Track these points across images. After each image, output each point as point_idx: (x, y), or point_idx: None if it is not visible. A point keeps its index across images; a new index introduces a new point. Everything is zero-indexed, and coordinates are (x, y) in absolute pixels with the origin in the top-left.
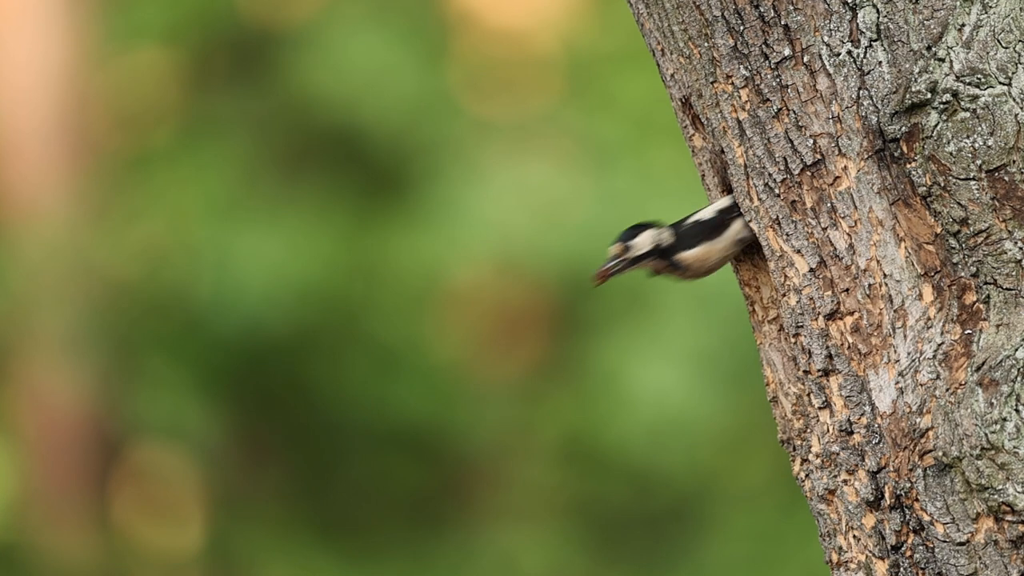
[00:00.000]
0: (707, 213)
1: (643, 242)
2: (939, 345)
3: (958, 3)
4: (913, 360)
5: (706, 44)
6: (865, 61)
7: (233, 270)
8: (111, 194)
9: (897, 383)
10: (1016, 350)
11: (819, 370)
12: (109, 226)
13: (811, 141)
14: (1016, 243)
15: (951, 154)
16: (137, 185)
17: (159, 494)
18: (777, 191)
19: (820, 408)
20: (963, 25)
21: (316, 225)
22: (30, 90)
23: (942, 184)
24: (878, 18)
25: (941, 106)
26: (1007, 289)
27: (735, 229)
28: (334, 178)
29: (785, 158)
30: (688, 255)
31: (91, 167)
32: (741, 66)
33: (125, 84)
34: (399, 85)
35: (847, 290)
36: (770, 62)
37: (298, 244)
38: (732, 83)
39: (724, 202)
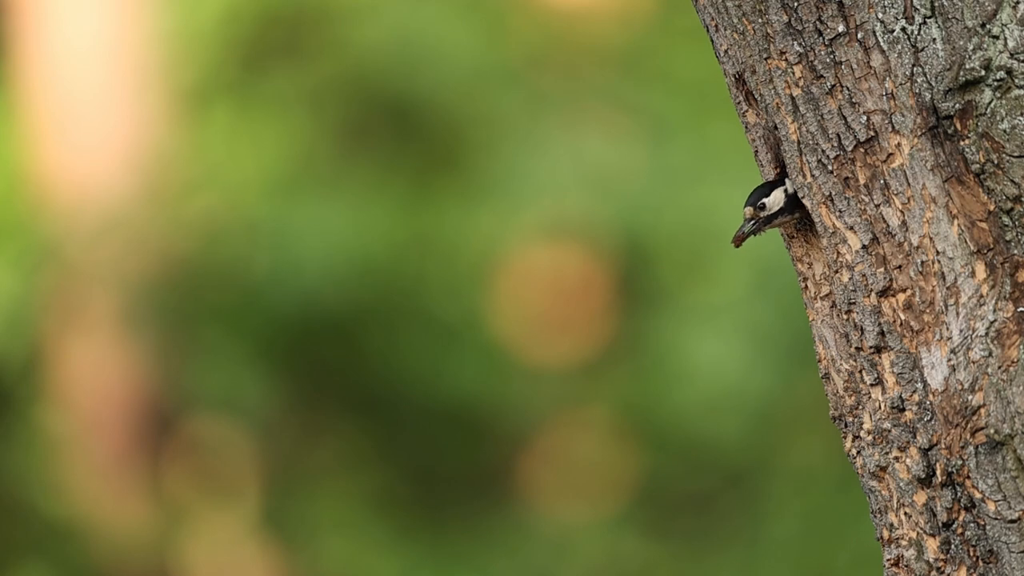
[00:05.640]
0: None
1: (775, 200)
2: (991, 323)
3: None
4: (965, 338)
5: (760, 20)
6: (919, 38)
7: (290, 244)
8: (168, 168)
9: (949, 360)
10: None
11: (871, 347)
12: (166, 200)
13: (864, 118)
14: None
15: (1004, 131)
16: (194, 159)
17: (214, 466)
18: (830, 167)
19: (872, 385)
20: (1018, 2)
21: (373, 199)
22: (87, 62)
23: (995, 161)
24: None
25: (995, 83)
26: None
27: None
28: (391, 152)
29: (838, 135)
30: None
31: (148, 140)
32: (795, 42)
33: (182, 57)
34: (456, 58)
35: (900, 267)
36: (824, 38)
37: (355, 218)
38: (786, 59)
39: None
